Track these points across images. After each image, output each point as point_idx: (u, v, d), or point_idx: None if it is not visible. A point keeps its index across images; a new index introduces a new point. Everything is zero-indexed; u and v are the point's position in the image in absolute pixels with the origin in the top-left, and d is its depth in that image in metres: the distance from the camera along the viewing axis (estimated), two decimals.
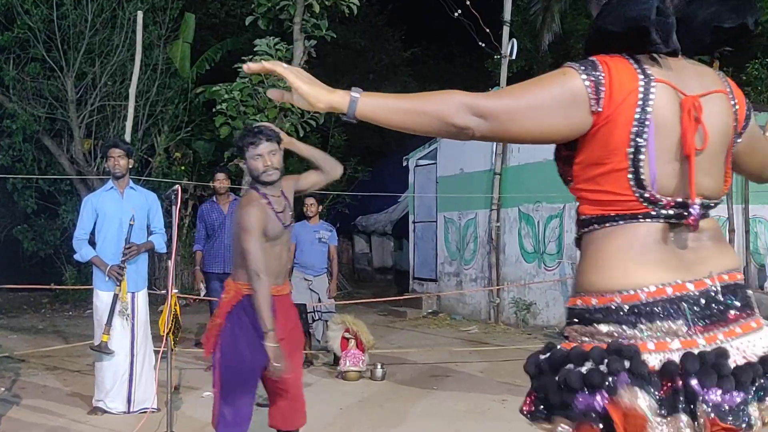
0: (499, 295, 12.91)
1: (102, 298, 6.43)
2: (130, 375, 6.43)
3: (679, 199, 1.93)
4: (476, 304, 13.58)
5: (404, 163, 16.21)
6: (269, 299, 4.12)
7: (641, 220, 1.94)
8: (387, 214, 20.27)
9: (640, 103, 1.89)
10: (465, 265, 14.07)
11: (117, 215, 6.45)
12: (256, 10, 11.91)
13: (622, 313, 1.90)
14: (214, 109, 11.77)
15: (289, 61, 11.81)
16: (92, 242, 6.53)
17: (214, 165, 14.14)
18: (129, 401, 6.44)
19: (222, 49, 17.74)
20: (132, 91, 9.55)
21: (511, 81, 13.67)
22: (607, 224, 1.96)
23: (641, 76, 1.91)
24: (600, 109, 1.90)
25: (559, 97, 1.90)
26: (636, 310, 1.89)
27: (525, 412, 2.02)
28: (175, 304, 5.47)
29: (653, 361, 1.86)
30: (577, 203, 2.05)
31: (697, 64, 2.08)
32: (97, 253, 6.43)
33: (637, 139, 1.89)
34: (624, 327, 1.89)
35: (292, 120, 11.61)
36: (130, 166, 6.55)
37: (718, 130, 2.00)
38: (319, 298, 8.98)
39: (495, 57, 14.57)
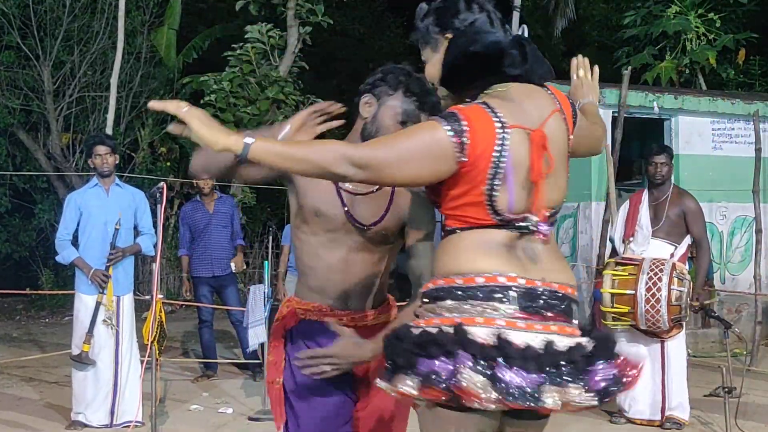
0: None
1: (85, 301, 6.43)
2: (114, 386, 6.43)
3: (527, 215, 2.41)
4: None
5: None
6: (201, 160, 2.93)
7: (495, 229, 2.42)
8: None
9: (496, 149, 2.34)
10: None
11: (102, 214, 6.46)
12: None
13: (460, 291, 2.37)
14: (202, 101, 11.79)
15: (283, 49, 11.83)
16: (75, 243, 6.53)
17: None
18: (112, 414, 6.44)
19: (210, 36, 17.73)
20: (114, 81, 9.57)
21: None
22: (469, 230, 2.43)
23: (498, 125, 2.35)
24: (465, 159, 2.33)
25: (427, 150, 2.31)
26: (472, 290, 2.36)
27: (384, 376, 2.43)
28: (161, 311, 5.48)
29: (480, 332, 2.30)
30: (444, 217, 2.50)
31: (529, 85, 2.50)
32: (81, 255, 6.44)
33: (493, 178, 2.35)
34: (460, 303, 2.36)
35: (286, 113, 11.63)
36: (116, 162, 6.57)
37: (559, 147, 2.47)
38: None
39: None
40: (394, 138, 2.40)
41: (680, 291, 6.22)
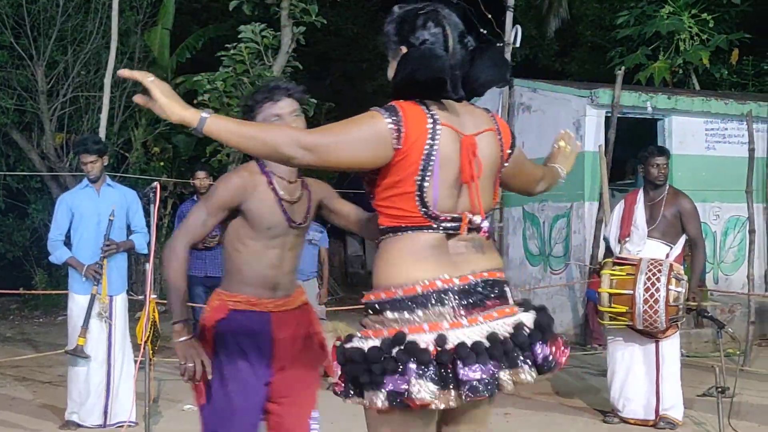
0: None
1: (78, 301, 6.43)
2: (107, 386, 6.43)
3: (455, 215, 2.64)
4: None
5: None
6: (179, 281, 3.46)
7: (424, 231, 2.63)
8: None
9: (428, 142, 2.57)
10: None
11: (94, 214, 6.45)
12: None
13: (403, 303, 2.57)
14: (195, 101, 11.75)
15: (277, 49, 11.82)
16: (67, 243, 6.53)
17: (195, 161, 14.12)
18: (105, 414, 6.43)
19: (204, 36, 17.71)
20: (107, 81, 9.56)
21: (514, 71, 13.69)
22: (399, 233, 2.64)
23: (430, 120, 2.59)
24: (400, 146, 2.55)
25: (367, 136, 2.54)
26: (414, 300, 2.57)
27: (338, 392, 2.66)
28: (154, 311, 5.47)
29: (429, 338, 2.50)
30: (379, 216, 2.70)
31: (472, 106, 2.77)
32: (73, 255, 6.43)
33: (424, 170, 2.57)
34: (405, 313, 2.56)
35: None
36: (105, 164, 6.55)
37: (489, 160, 2.71)
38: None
39: (497, 45, 14.56)
40: (339, 125, 2.59)
41: (678, 291, 6.23)
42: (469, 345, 2.49)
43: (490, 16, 13.57)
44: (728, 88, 16.55)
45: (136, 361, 6.20)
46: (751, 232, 10.36)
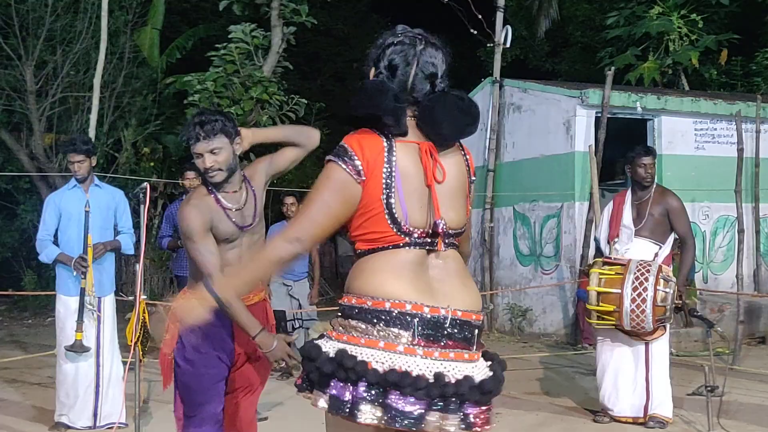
0: (493, 300, 12.93)
1: (65, 303, 6.42)
2: (96, 387, 6.41)
3: (430, 231, 2.69)
4: None
5: None
6: (232, 299, 3.77)
7: (400, 249, 2.69)
8: None
9: (386, 160, 2.67)
10: None
11: (81, 214, 6.43)
12: None
13: (369, 314, 2.64)
14: (185, 101, 11.74)
15: (267, 49, 11.81)
16: (55, 243, 6.51)
17: (185, 161, 14.09)
18: (95, 415, 6.42)
19: (194, 36, 17.71)
20: (97, 81, 9.54)
21: (505, 71, 13.72)
22: (376, 252, 2.71)
23: (384, 140, 2.69)
24: (364, 178, 2.67)
25: (335, 195, 2.69)
26: (379, 314, 2.62)
27: (296, 384, 2.79)
28: (144, 312, 5.46)
29: (380, 358, 2.58)
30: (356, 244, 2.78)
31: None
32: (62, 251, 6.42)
33: (388, 187, 2.66)
34: (367, 324, 2.63)
35: (270, 113, 11.60)
36: (93, 165, 6.53)
37: (455, 173, 2.79)
38: (300, 305, 8.99)
39: (488, 45, 14.60)
40: (308, 203, 2.73)
41: (666, 292, 6.25)
42: (413, 375, 2.55)
43: (480, 16, 13.62)
44: (717, 88, 16.61)
45: (125, 363, 6.18)
46: (740, 231, 10.41)
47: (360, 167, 2.66)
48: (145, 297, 5.97)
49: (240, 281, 2.90)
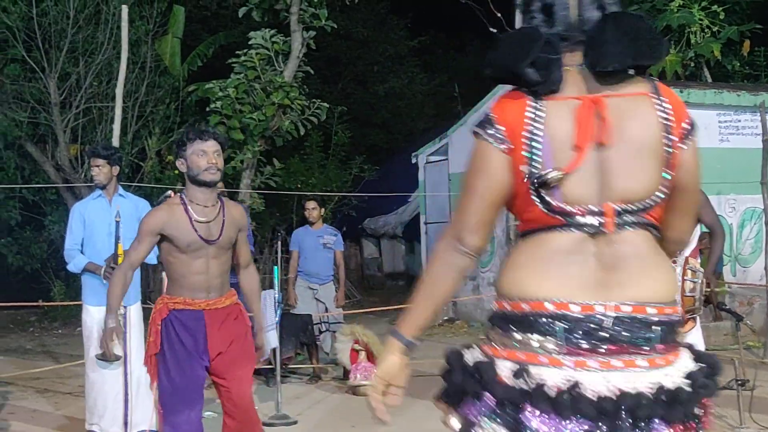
0: None
1: (92, 313, 6.45)
2: (125, 395, 6.44)
3: (593, 207, 2.12)
4: None
5: (413, 160, 16.20)
6: (118, 291, 4.60)
7: (555, 230, 2.16)
8: (397, 216, 20.26)
9: (528, 124, 2.14)
10: (482, 267, 14.05)
11: (105, 224, 6.46)
12: (249, 1, 11.96)
13: (506, 319, 2.18)
14: (207, 108, 11.80)
15: (287, 54, 11.84)
16: (81, 253, 6.55)
17: None
18: (126, 424, 6.45)
19: (214, 43, 17.77)
20: (119, 91, 9.56)
21: None
22: (529, 236, 2.22)
23: (529, 100, 2.16)
24: (510, 147, 2.17)
25: (484, 175, 2.21)
26: (516, 319, 2.15)
27: (435, 395, 2.36)
28: None
29: (549, 376, 2.08)
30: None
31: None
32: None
33: (531, 158, 2.14)
34: (505, 332, 2.17)
35: (292, 117, 11.64)
36: (116, 174, 6.56)
37: (639, 130, 2.14)
38: (326, 308, 8.99)
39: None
40: (462, 195, 2.26)
41: (694, 282, 6.20)
42: (559, 391, 2.05)
43: (499, 15, 13.58)
44: (740, 79, 16.46)
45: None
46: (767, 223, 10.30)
47: (503, 134, 2.17)
48: None
49: (422, 309, 2.34)
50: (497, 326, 2.20)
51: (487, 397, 2.12)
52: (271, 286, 7.75)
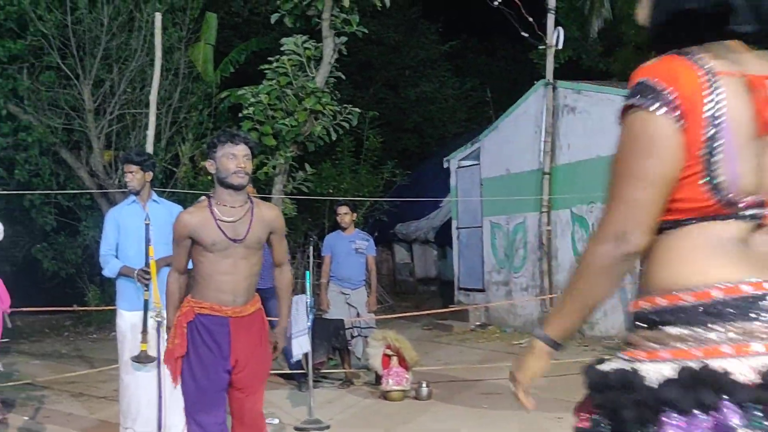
0: (553, 304, 12.81)
1: (126, 318, 6.49)
2: (159, 398, 6.47)
3: (757, 198, 1.91)
4: (528, 315, 13.50)
5: (445, 165, 16.19)
6: (173, 299, 4.65)
7: (717, 221, 1.91)
8: (428, 221, 20.25)
9: (708, 99, 1.87)
10: (514, 273, 14.00)
11: (139, 229, 6.50)
12: (281, 7, 11.99)
13: (692, 312, 1.86)
14: (240, 114, 11.86)
15: (319, 60, 11.87)
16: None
17: None
18: (160, 427, 6.48)
19: (247, 49, 17.87)
20: (153, 97, 9.64)
21: (558, 73, 13.61)
22: (679, 227, 1.94)
23: (701, 72, 1.89)
24: (683, 122, 1.88)
25: (654, 155, 1.89)
26: (708, 310, 1.85)
27: (580, 430, 2.03)
28: None
29: (738, 368, 1.80)
30: None
31: (758, 51, 2.02)
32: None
33: (712, 141, 1.87)
34: (695, 328, 1.86)
35: (324, 123, 11.66)
36: (149, 180, 6.60)
37: None
38: (358, 313, 8.99)
39: (540, 48, 14.51)
40: (619, 186, 1.94)
41: None
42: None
43: (531, 19, 13.54)
44: None
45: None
46: None
47: (678, 105, 1.87)
48: None
49: (574, 317, 2.06)
50: (672, 324, 1.89)
51: (727, 404, 1.77)
52: (303, 291, 7.76)
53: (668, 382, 1.82)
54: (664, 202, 1.91)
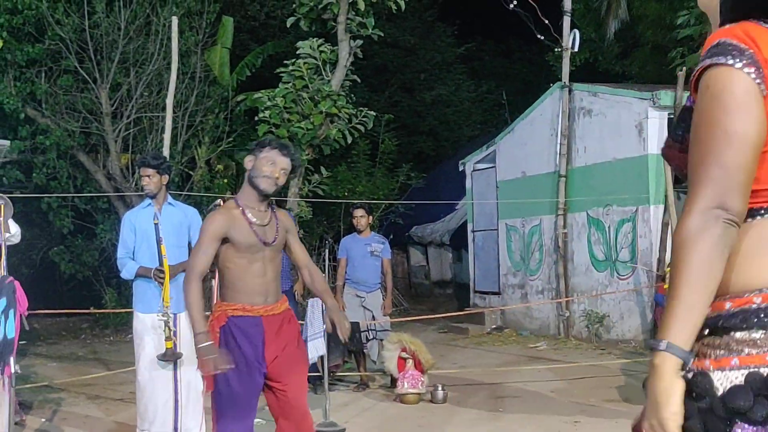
0: (569, 307, 12.78)
1: (142, 320, 6.51)
2: (175, 401, 6.49)
3: None
4: (544, 318, 13.47)
5: (460, 168, 16.18)
6: (197, 301, 4.47)
7: None
8: (444, 224, 20.24)
9: None
10: (530, 275, 13.97)
11: (154, 233, 6.53)
12: (297, 11, 12.02)
13: (764, 315, 1.69)
14: (256, 118, 11.89)
15: (335, 63, 11.89)
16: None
17: None
18: (176, 429, 6.50)
19: (263, 53, 17.92)
20: (169, 101, 9.67)
21: (574, 75, 13.59)
22: (755, 217, 1.77)
23: None
24: (766, 89, 1.73)
25: (743, 113, 1.71)
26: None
27: None
28: None
29: None
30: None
31: None
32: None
33: None
34: (763, 332, 1.69)
35: (339, 126, 11.68)
36: (165, 183, 6.63)
37: None
38: (373, 316, 8.99)
39: (556, 50, 14.49)
40: (705, 153, 1.74)
41: None
42: None
43: (547, 21, 13.52)
44: None
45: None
46: None
47: (760, 67, 1.72)
48: None
49: (698, 307, 1.70)
50: (742, 329, 1.72)
51: None
52: None
53: (736, 389, 1.67)
54: (754, 166, 1.72)
